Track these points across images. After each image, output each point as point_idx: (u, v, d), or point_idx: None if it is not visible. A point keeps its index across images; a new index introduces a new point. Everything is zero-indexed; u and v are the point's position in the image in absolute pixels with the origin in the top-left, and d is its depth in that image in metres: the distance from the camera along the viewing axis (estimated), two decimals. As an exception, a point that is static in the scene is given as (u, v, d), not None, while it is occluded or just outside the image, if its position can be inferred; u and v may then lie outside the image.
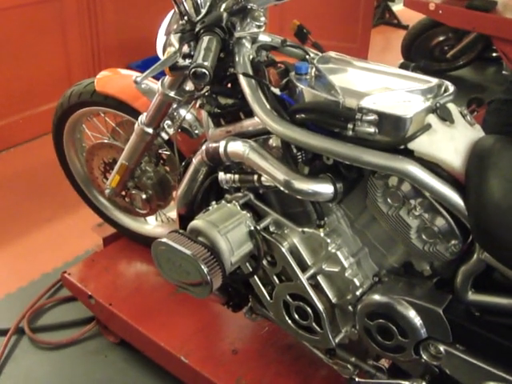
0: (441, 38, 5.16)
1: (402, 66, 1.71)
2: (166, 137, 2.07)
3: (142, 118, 2.09)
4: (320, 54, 1.73)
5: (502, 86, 2.72)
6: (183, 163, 1.96)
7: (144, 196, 2.33)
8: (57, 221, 3.16)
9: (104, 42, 4.14)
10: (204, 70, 1.45)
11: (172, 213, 2.49)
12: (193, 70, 1.46)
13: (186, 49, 1.63)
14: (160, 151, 2.32)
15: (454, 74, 5.35)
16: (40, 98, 3.84)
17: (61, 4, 3.79)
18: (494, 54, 5.31)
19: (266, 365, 2.08)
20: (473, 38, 5.00)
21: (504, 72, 4.68)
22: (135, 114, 2.18)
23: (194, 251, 1.56)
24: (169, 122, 2.04)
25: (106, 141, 2.39)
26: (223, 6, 1.66)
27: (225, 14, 1.63)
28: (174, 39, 1.66)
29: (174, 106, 2.01)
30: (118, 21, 4.16)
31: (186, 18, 1.67)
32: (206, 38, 1.54)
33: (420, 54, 5.22)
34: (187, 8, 1.62)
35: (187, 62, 1.62)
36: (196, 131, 2.05)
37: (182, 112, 2.01)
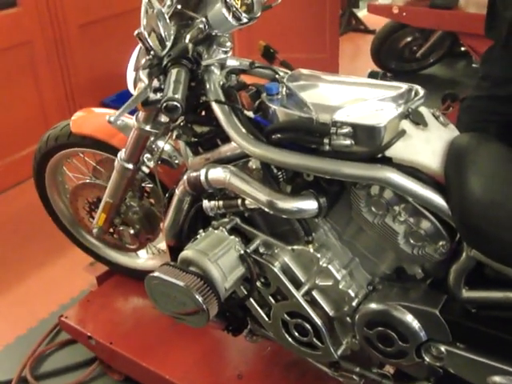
0: (408, 39, 5.22)
1: (371, 75, 1.73)
2: (146, 170, 2.07)
3: (121, 154, 2.09)
4: (289, 72, 1.74)
5: (473, 79, 2.74)
6: (167, 194, 1.96)
7: (132, 231, 2.33)
8: (48, 265, 3.13)
9: (76, 81, 4.14)
10: (175, 103, 1.45)
11: (162, 244, 2.48)
12: (164, 103, 1.46)
13: (155, 83, 1.63)
14: (143, 185, 2.31)
15: (425, 73, 5.41)
16: (18, 143, 3.82)
17: (30, 49, 3.79)
18: (463, 49, 5.35)
19: (272, 385, 2.08)
20: (440, 35, 5.06)
21: (474, 65, 4.73)
22: (114, 151, 2.17)
23: (187, 282, 1.56)
24: (148, 155, 2.04)
25: (88, 180, 2.39)
26: (188, 36, 1.65)
27: (190, 45, 1.63)
28: (143, 75, 1.65)
29: (152, 139, 2.00)
30: (87, 59, 4.16)
31: (152, 52, 1.67)
32: (174, 71, 1.55)
33: (390, 56, 5.27)
34: (151, 43, 1.62)
35: (158, 95, 1.63)
36: (176, 161, 2.05)
37: (160, 144, 2.00)
